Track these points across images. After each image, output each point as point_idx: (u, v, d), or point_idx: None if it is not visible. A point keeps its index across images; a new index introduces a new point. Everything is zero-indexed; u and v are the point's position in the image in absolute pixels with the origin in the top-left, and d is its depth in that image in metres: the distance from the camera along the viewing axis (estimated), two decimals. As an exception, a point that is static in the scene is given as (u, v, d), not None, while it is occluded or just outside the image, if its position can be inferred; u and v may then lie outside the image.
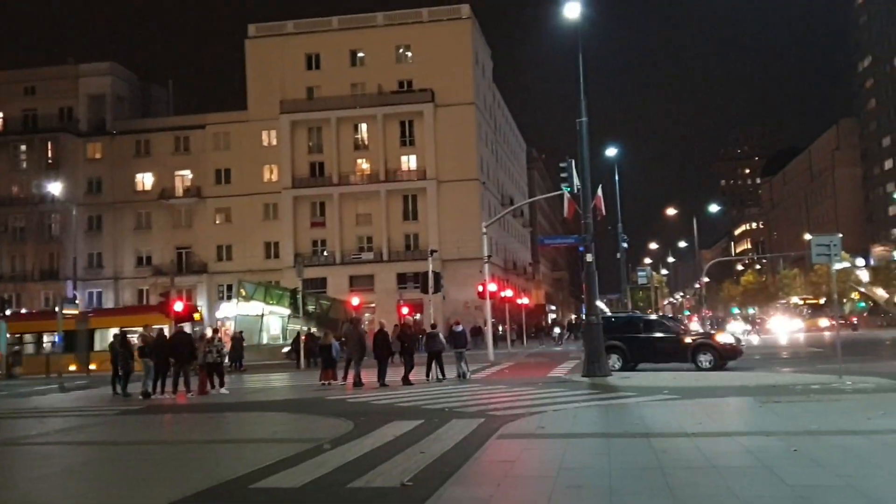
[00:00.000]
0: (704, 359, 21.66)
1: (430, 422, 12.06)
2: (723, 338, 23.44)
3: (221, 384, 20.59)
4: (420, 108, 61.88)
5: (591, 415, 12.74)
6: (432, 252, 42.10)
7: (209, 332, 22.30)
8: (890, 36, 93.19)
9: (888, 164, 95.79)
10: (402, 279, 58.40)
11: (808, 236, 16.55)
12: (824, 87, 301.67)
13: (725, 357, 21.92)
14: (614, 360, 22.25)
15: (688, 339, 22.54)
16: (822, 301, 55.99)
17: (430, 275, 34.52)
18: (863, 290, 77.73)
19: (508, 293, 50.28)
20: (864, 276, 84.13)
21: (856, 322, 57.98)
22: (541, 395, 16.07)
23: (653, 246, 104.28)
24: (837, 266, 62.09)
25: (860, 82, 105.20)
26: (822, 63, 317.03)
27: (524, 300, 61.17)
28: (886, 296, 76.75)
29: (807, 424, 10.09)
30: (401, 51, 64.19)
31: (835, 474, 7.06)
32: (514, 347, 46.38)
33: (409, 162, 63.11)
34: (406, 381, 20.18)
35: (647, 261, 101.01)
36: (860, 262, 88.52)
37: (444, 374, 21.20)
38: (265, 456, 9.35)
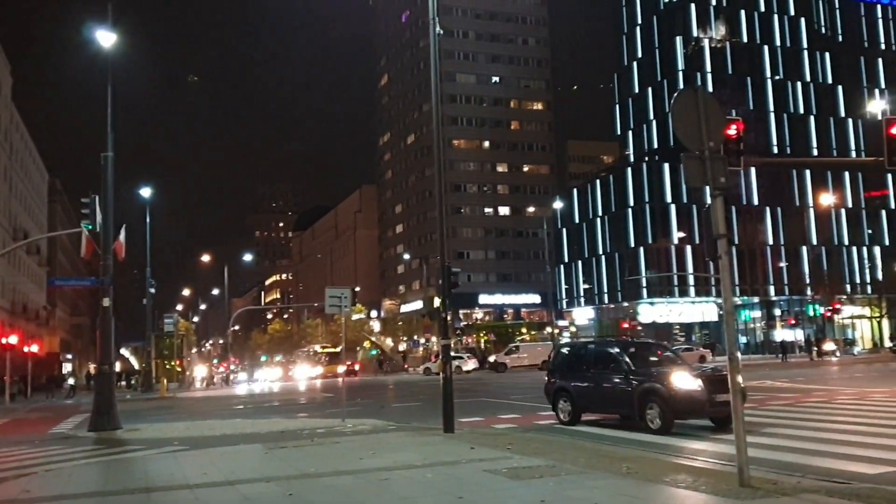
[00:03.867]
0: (651, 414, 14.18)
1: None
2: (680, 379, 14.18)
3: None
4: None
5: (91, 473, 11.67)
6: None
7: None
8: (405, 117, 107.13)
9: (399, 228, 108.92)
10: None
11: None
12: (354, 154, 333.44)
13: (680, 412, 14.09)
14: (563, 408, 16.69)
15: (635, 381, 14.82)
16: (338, 349, 60.51)
17: None
18: (374, 339, 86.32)
19: (13, 339, 44.31)
20: (376, 326, 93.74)
21: (356, 368, 64.81)
22: (35, 455, 14.27)
23: (186, 292, 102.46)
24: (355, 317, 67.42)
25: (380, 154, 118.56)
26: (354, 131, 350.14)
27: (33, 348, 54.50)
28: (392, 344, 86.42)
29: (306, 468, 10.57)
30: None
31: (322, 514, 7.43)
32: (14, 402, 40.97)
33: None
34: None
35: (180, 307, 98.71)
36: (374, 314, 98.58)
37: None
38: None
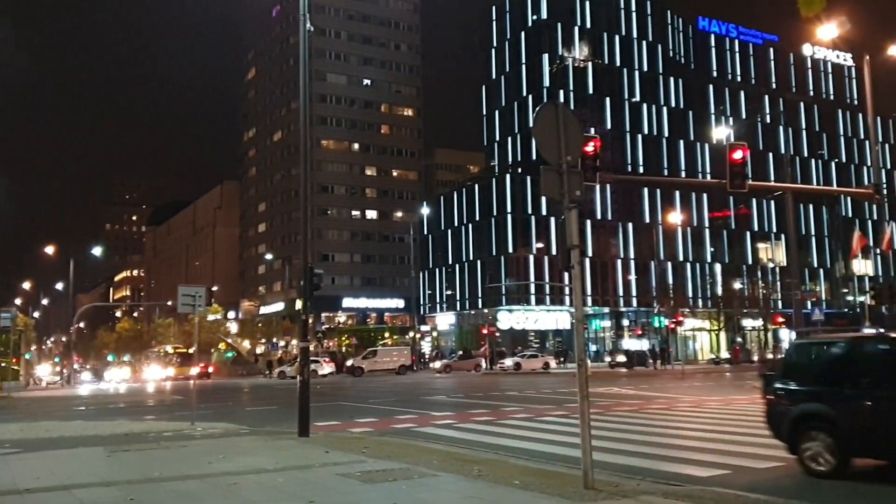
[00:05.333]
0: None
1: None
2: None
3: None
4: None
5: None
6: None
7: None
8: (272, 113, 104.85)
9: (262, 228, 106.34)
10: None
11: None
12: (215, 148, 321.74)
13: None
14: (816, 449, 9.38)
15: None
16: (191, 350, 58.31)
17: None
18: (230, 340, 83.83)
19: None
20: (233, 327, 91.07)
21: (210, 370, 63.34)
22: None
23: (27, 285, 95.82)
24: (211, 317, 65.14)
25: (245, 150, 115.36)
26: (216, 124, 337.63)
27: None
28: (249, 347, 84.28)
29: (150, 472, 10.12)
30: None
31: (165, 520, 7.13)
32: None
33: None
34: None
35: (18, 301, 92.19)
36: (231, 314, 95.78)
37: None
38: None
